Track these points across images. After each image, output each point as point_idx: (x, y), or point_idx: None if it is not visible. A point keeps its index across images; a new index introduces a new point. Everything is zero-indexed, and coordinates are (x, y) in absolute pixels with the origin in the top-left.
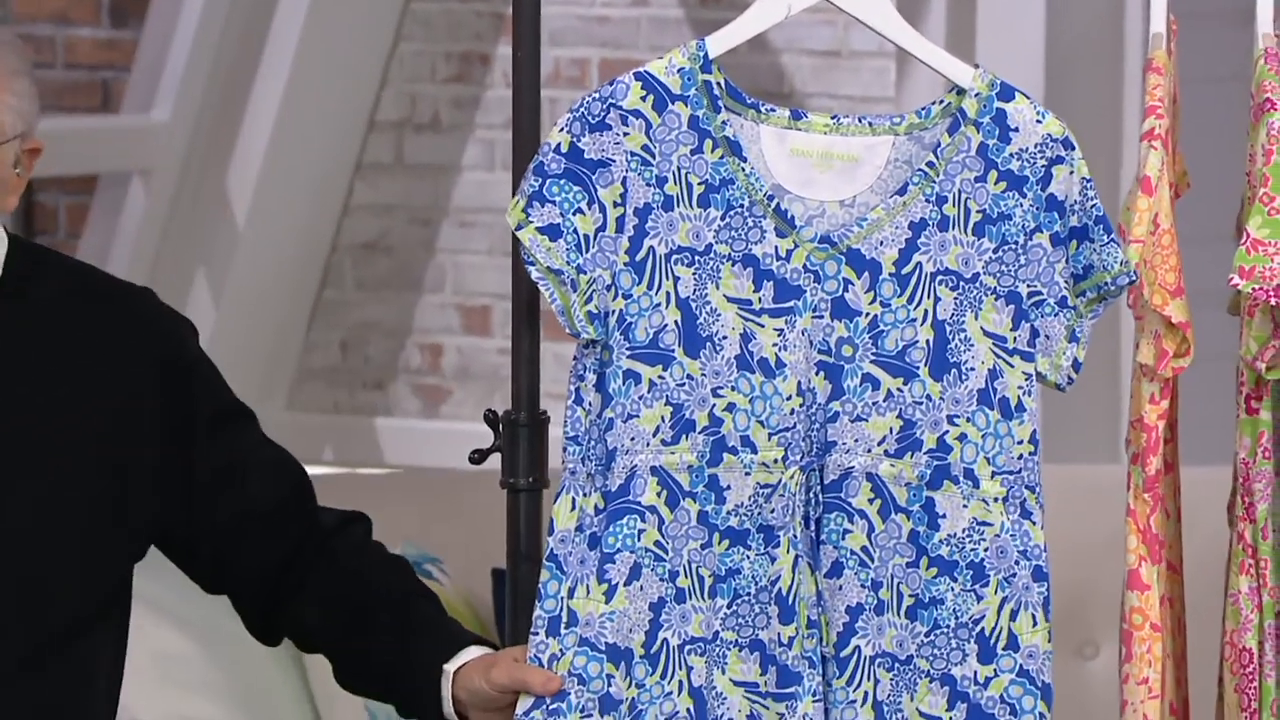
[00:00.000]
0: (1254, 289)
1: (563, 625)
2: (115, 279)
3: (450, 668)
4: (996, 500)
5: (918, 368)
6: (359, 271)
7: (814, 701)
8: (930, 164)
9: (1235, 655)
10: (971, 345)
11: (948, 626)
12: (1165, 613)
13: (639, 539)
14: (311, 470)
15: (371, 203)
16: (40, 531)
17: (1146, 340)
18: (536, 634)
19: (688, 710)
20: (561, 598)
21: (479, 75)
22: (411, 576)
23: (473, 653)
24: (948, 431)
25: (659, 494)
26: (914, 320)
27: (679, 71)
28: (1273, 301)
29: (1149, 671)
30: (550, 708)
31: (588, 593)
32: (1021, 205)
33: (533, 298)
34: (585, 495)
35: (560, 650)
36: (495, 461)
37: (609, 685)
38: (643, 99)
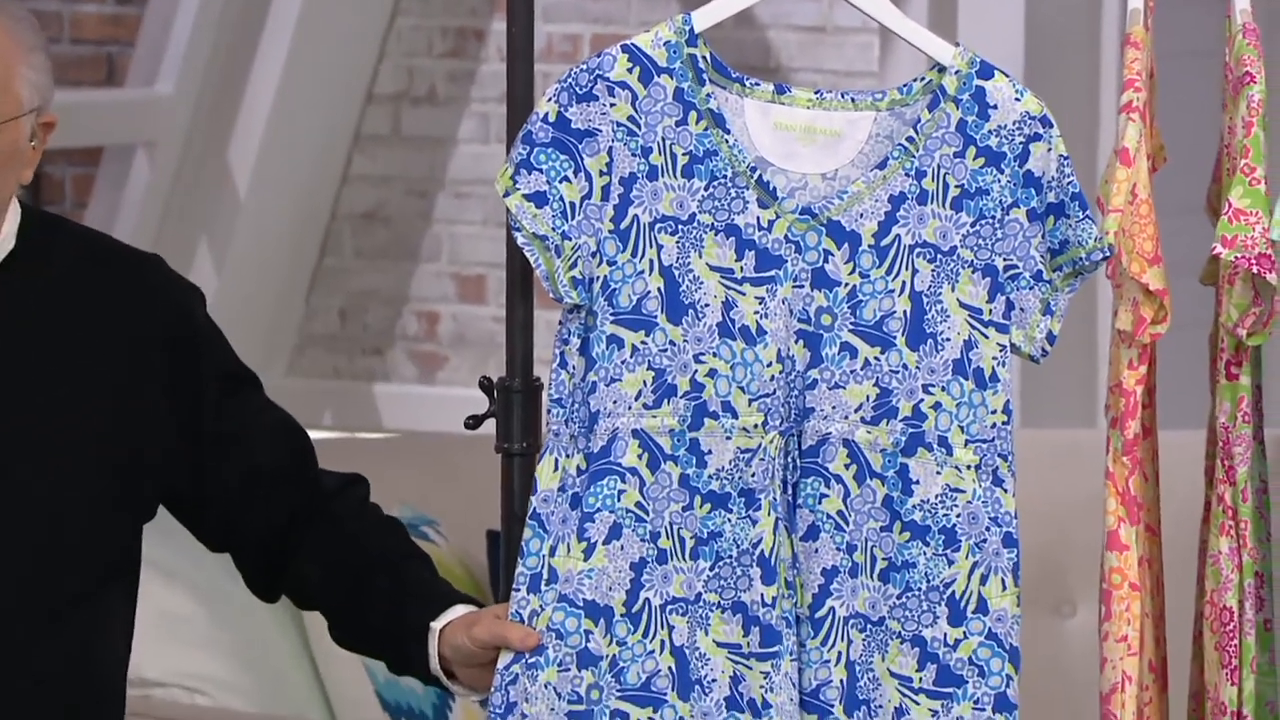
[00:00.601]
0: (1236, 257)
1: (543, 582)
2: (125, 245)
3: (436, 625)
4: (969, 468)
5: (895, 337)
6: (358, 241)
7: (791, 661)
8: (910, 139)
9: (1216, 614)
10: (948, 316)
11: (919, 589)
12: (1144, 573)
13: (619, 499)
14: (312, 434)
15: (370, 174)
16: (57, 494)
17: (1125, 307)
18: (518, 590)
19: (669, 669)
20: (543, 555)
21: (474, 50)
22: (406, 539)
23: (458, 611)
24: (923, 400)
25: (640, 456)
26: (892, 291)
27: (665, 45)
28: (1254, 269)
29: (1128, 629)
30: (529, 662)
31: (568, 551)
32: (999, 181)
33: (526, 267)
34: (568, 456)
35: (540, 606)
36: (490, 426)
37: (587, 641)
38: (629, 71)
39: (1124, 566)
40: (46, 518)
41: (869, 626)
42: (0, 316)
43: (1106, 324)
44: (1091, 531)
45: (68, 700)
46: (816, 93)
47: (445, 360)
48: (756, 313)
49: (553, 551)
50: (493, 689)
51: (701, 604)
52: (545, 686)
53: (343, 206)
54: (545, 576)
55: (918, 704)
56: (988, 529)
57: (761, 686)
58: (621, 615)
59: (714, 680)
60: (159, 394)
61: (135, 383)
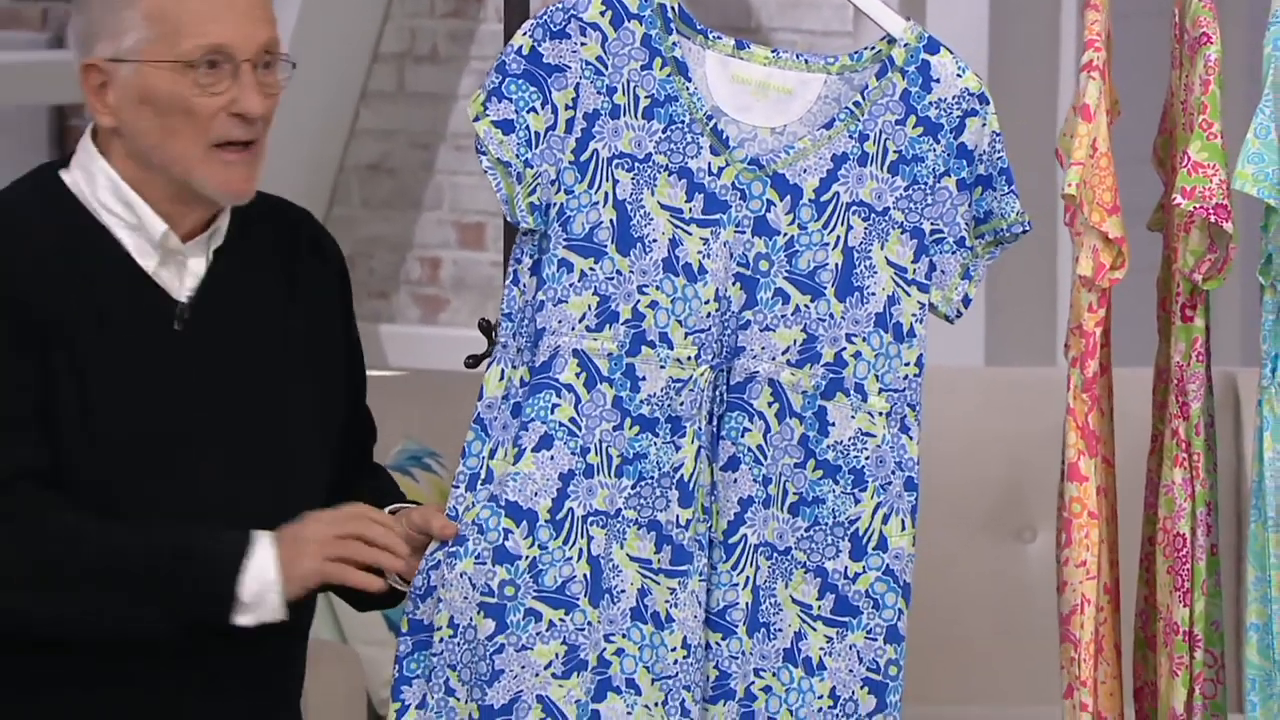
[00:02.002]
0: (1195, 207)
1: (480, 482)
2: (281, 200)
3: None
4: (881, 414)
5: (825, 288)
6: (364, 191)
7: (700, 581)
8: (857, 103)
9: (1169, 540)
10: (875, 272)
11: (826, 524)
12: (1101, 501)
13: (553, 412)
14: None
15: (375, 128)
16: (310, 453)
17: (1085, 254)
18: (457, 488)
19: (584, 575)
20: (483, 457)
21: (474, 11)
22: (386, 477)
23: (403, 507)
24: (845, 348)
25: (578, 375)
26: (826, 244)
27: None
28: (1211, 219)
29: (1087, 555)
30: (450, 550)
31: (505, 454)
32: (934, 150)
33: None
34: (514, 368)
35: (472, 503)
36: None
37: (505, 539)
38: (602, 14)
39: (1083, 496)
40: (309, 476)
41: (775, 555)
42: (235, 289)
43: (1066, 269)
44: (1051, 462)
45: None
46: (774, 51)
47: (447, 303)
48: (700, 252)
49: (492, 454)
50: (417, 572)
51: (620, 519)
52: (461, 575)
53: (350, 159)
54: (483, 477)
55: (815, 630)
56: (893, 472)
57: (667, 601)
58: (545, 521)
59: (623, 591)
60: (339, 337)
61: (328, 326)
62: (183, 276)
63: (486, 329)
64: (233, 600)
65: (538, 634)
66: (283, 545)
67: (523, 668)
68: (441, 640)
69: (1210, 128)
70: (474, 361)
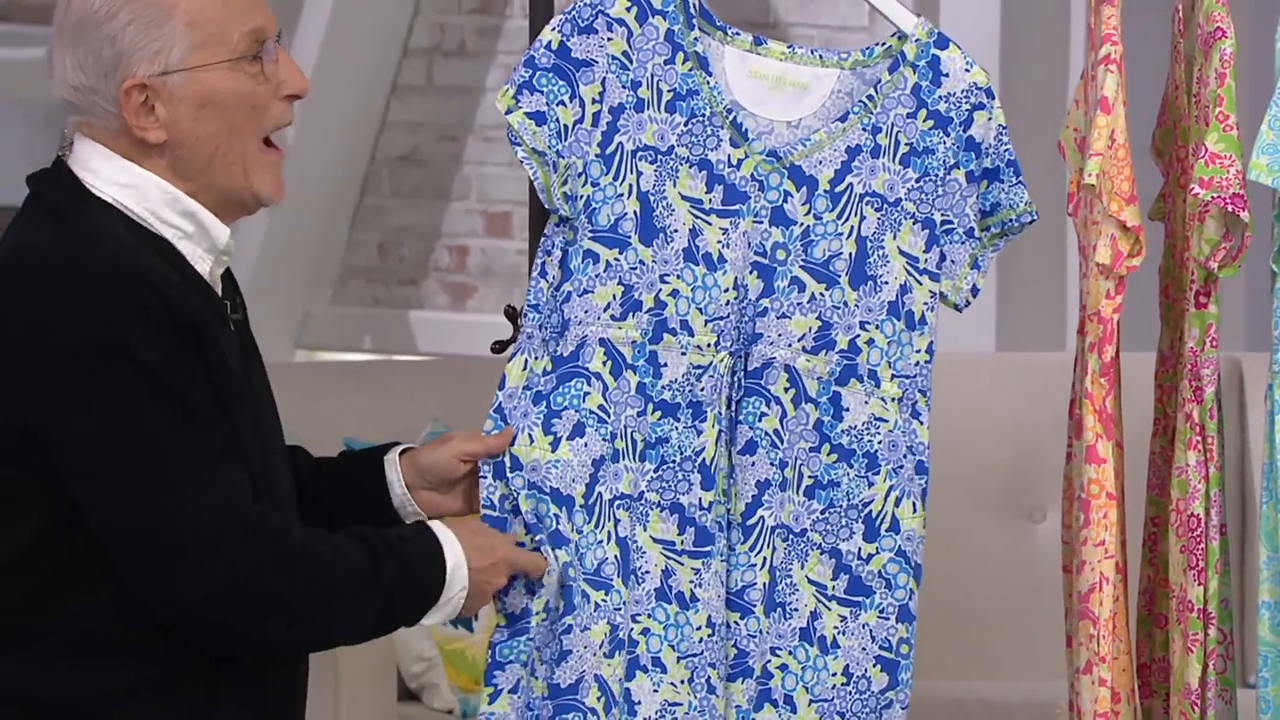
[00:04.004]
0: (1212, 197)
1: (507, 469)
2: None
3: (391, 456)
4: (894, 400)
5: (840, 276)
6: (395, 181)
7: (721, 561)
8: (870, 97)
9: (1182, 520)
10: (888, 261)
11: (840, 506)
12: (1116, 483)
13: (584, 400)
14: (352, 357)
15: (405, 120)
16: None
17: (1103, 242)
18: (485, 478)
19: (615, 557)
20: (505, 448)
21: (500, 7)
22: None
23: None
24: (859, 335)
25: (605, 363)
26: (841, 234)
27: None
28: (1228, 208)
29: (1105, 535)
30: (538, 538)
31: (530, 440)
32: (944, 143)
33: None
34: (537, 358)
35: (508, 491)
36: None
37: (557, 524)
38: (627, 9)
39: (1101, 478)
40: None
41: (791, 537)
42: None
43: (1075, 257)
44: (1060, 445)
45: None
46: (790, 47)
47: (474, 290)
48: (719, 242)
49: (513, 441)
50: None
51: (643, 502)
52: (550, 553)
53: (381, 150)
54: (508, 464)
55: (829, 609)
56: (905, 456)
57: (691, 581)
58: (580, 506)
59: (647, 572)
60: None
61: None
62: (218, 277)
63: (512, 315)
64: (434, 601)
65: (591, 615)
66: (477, 555)
67: (585, 648)
68: (537, 624)
69: (1226, 120)
70: (500, 347)
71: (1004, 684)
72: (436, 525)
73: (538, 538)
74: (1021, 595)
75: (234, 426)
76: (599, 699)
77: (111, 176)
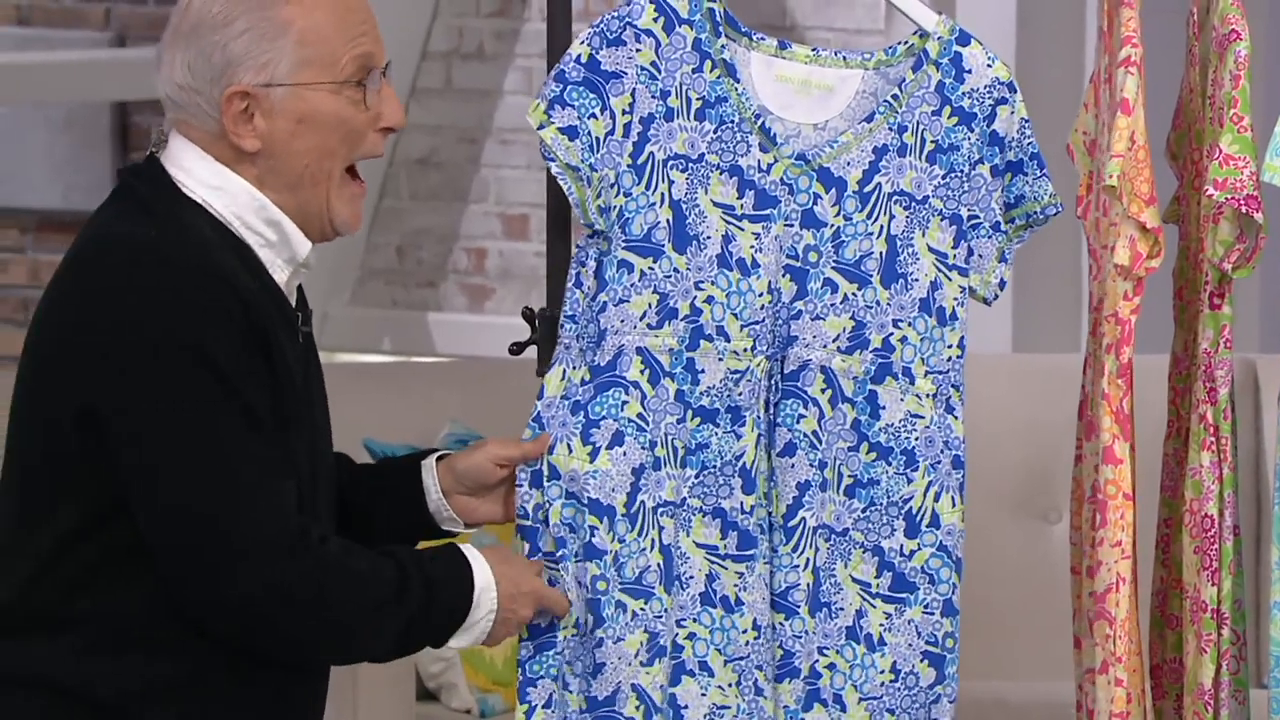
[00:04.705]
0: (1227, 198)
1: (545, 479)
2: None
3: (428, 462)
4: (928, 396)
5: (871, 276)
6: (413, 184)
7: (765, 564)
8: (895, 96)
9: (1196, 521)
10: (918, 259)
11: (881, 504)
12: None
13: (623, 410)
14: (371, 358)
15: (424, 123)
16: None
17: (1122, 244)
18: (521, 486)
19: (658, 565)
20: (543, 454)
21: (518, 10)
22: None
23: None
24: (892, 334)
25: (642, 372)
26: (871, 234)
27: None
28: (1243, 209)
29: (1122, 536)
30: (556, 556)
31: (569, 450)
32: (969, 139)
33: (565, 207)
34: (575, 368)
35: (544, 500)
36: (532, 352)
37: (592, 536)
38: (655, 20)
39: (1118, 479)
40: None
41: (834, 536)
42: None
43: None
44: (1074, 446)
45: None
46: (814, 50)
47: (492, 292)
48: (753, 247)
49: (551, 450)
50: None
51: (686, 508)
52: (572, 576)
53: (400, 153)
54: (546, 473)
55: (874, 607)
56: (941, 451)
57: (735, 585)
58: (622, 515)
59: (691, 577)
60: None
61: None
62: (293, 288)
63: (530, 317)
64: (461, 619)
65: (626, 625)
66: (507, 582)
67: (619, 659)
68: (566, 639)
69: (1241, 121)
70: (518, 348)
71: (1020, 683)
72: (467, 548)
73: (561, 553)
74: (1038, 595)
75: (287, 436)
76: (638, 708)
77: (203, 177)
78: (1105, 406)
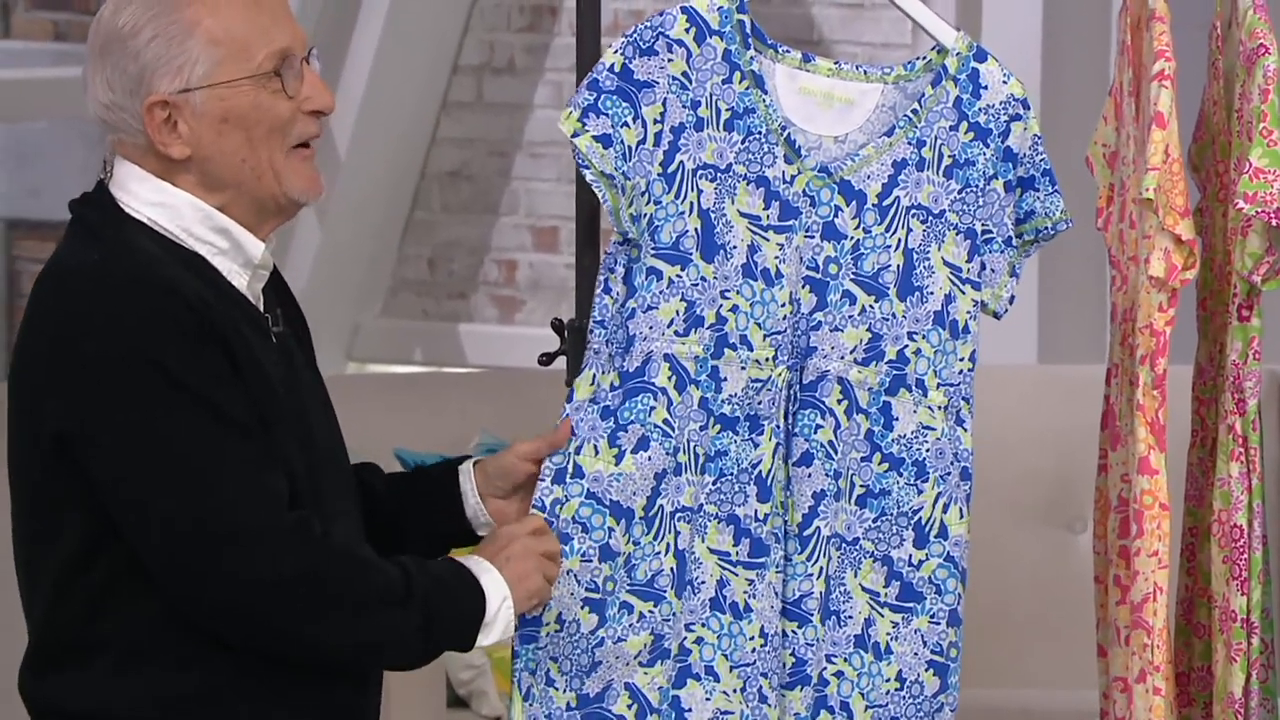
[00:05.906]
0: (1257, 211)
1: (568, 476)
2: None
3: (465, 466)
4: (940, 408)
5: (888, 288)
6: (445, 196)
7: (776, 572)
8: (914, 111)
9: (1225, 531)
10: (933, 272)
11: (891, 514)
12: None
13: (650, 415)
14: (402, 369)
15: (455, 136)
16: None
17: (1157, 255)
18: (543, 481)
19: (670, 569)
20: (569, 454)
21: (548, 25)
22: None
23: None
24: (907, 346)
25: (670, 378)
26: (889, 247)
27: (718, 10)
28: (1273, 222)
29: (1159, 545)
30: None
31: (595, 452)
32: (984, 154)
33: (593, 219)
34: (604, 373)
35: (564, 496)
36: (561, 363)
37: (609, 537)
38: (686, 31)
39: (1154, 489)
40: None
41: (844, 545)
42: (277, 296)
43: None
44: (1099, 456)
45: None
46: (836, 63)
47: (522, 303)
48: (776, 257)
49: (578, 450)
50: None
51: (702, 514)
52: (567, 574)
53: (431, 166)
54: (570, 471)
55: (882, 616)
56: (951, 463)
57: (745, 592)
58: (640, 518)
59: (702, 582)
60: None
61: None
62: (258, 291)
63: (559, 328)
64: (480, 624)
65: (630, 626)
66: (507, 566)
67: (616, 658)
68: (548, 635)
69: (1270, 135)
70: (548, 359)
71: (1044, 691)
72: (456, 558)
73: (563, 549)
74: (1062, 604)
75: (270, 435)
76: (630, 706)
77: (146, 197)
78: (1140, 417)
